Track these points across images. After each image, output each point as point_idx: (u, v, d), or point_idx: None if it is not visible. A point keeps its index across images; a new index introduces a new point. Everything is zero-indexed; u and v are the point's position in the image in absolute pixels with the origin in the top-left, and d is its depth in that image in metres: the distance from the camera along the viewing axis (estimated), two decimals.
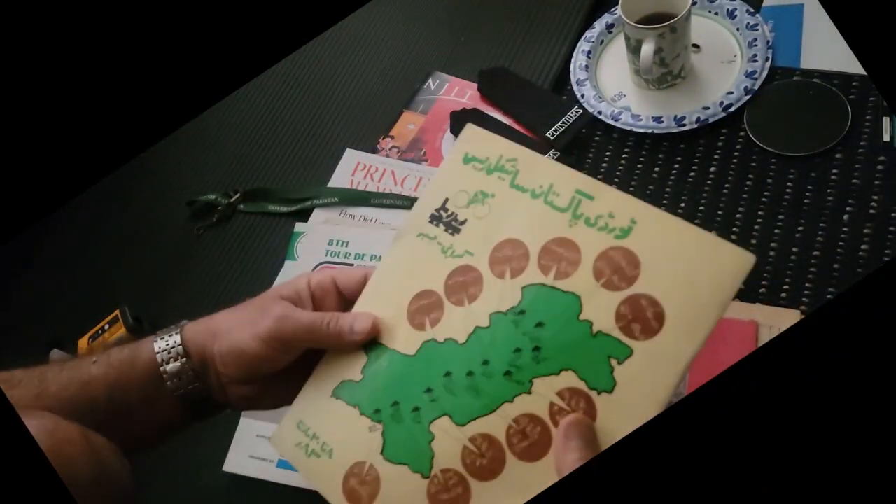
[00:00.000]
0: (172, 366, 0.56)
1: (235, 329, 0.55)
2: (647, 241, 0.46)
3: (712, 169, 0.81)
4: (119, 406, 0.56)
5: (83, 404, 0.55)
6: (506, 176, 0.52)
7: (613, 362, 0.44)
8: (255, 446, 0.78)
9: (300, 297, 0.56)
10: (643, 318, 0.44)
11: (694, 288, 0.43)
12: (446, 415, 0.48)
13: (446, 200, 0.54)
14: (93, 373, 0.56)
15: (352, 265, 0.85)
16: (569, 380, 0.45)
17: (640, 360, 0.44)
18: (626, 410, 0.44)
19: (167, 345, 0.56)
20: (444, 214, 0.53)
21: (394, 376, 0.50)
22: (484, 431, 0.47)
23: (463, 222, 0.52)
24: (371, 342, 0.53)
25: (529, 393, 0.46)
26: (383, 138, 0.96)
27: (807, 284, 0.72)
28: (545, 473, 0.45)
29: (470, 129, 0.56)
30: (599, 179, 0.85)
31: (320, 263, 0.87)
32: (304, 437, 0.54)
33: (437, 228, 0.53)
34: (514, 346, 0.47)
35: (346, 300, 0.57)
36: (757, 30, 0.86)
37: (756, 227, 0.76)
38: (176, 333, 0.57)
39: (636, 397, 0.44)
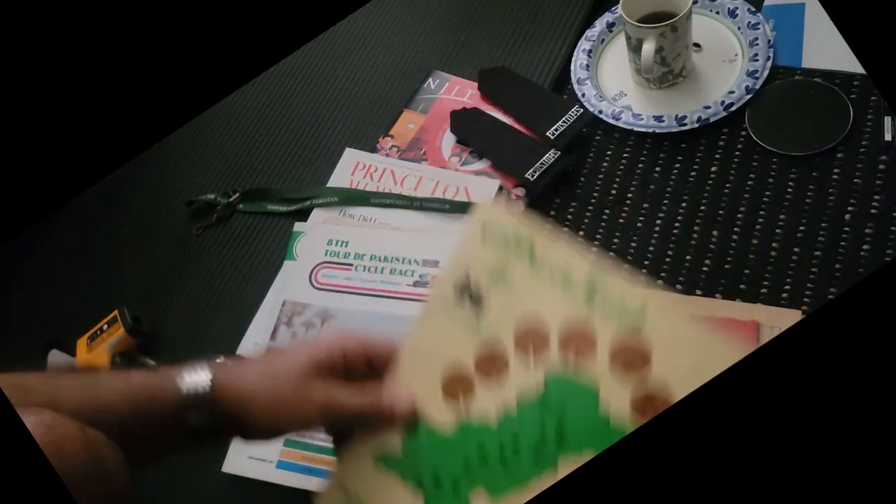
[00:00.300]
0: (196, 416, 0.56)
1: (273, 405, 0.56)
2: (658, 332, 0.49)
3: (713, 168, 0.81)
4: (132, 434, 0.55)
5: (96, 425, 0.55)
6: (523, 253, 0.55)
7: None
8: (254, 447, 0.78)
9: (334, 366, 0.57)
10: (654, 407, 0.47)
11: (700, 377, 0.46)
12: (483, 487, 0.52)
13: (468, 276, 0.56)
14: (111, 399, 0.56)
15: (351, 265, 0.85)
16: (590, 456, 0.49)
17: None
18: None
19: (195, 391, 0.56)
20: (469, 291, 0.56)
21: (432, 450, 0.54)
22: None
23: (486, 300, 0.55)
24: (415, 417, 0.56)
25: (556, 468, 0.50)
26: (383, 137, 0.96)
27: (808, 284, 0.72)
28: None
29: (487, 205, 0.60)
30: (599, 179, 0.86)
31: (319, 263, 0.86)
32: (348, 501, 0.56)
33: (462, 301, 0.56)
34: (540, 429, 0.51)
35: (374, 367, 0.59)
36: (758, 29, 0.86)
37: (757, 226, 0.76)
38: (205, 385, 0.56)
39: None
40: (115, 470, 0.58)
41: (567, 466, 0.49)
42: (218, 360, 0.58)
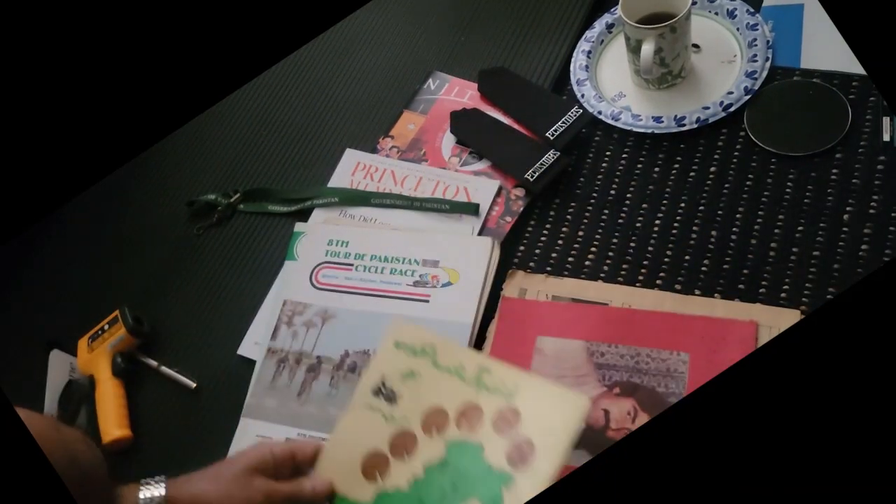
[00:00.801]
0: None
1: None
2: (526, 401, 0.65)
3: (712, 169, 0.81)
4: None
5: None
6: (427, 358, 0.70)
7: (504, 489, 0.63)
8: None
9: (266, 467, 0.68)
10: (523, 454, 0.63)
11: (554, 431, 0.63)
12: None
13: (384, 377, 0.71)
14: None
15: (351, 265, 0.85)
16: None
17: (519, 483, 0.63)
18: None
19: None
20: (384, 389, 0.71)
21: None
22: None
23: (399, 395, 0.70)
24: (335, 494, 0.68)
25: None
26: (383, 138, 0.96)
27: (807, 284, 0.72)
28: None
29: (397, 323, 0.74)
30: (599, 180, 0.86)
31: (320, 263, 0.87)
32: None
33: (378, 400, 0.70)
34: (441, 487, 0.65)
35: (299, 468, 0.70)
36: (757, 30, 0.86)
37: (756, 226, 0.76)
38: (160, 499, 0.65)
39: None
40: (91, 463, 0.59)
41: None
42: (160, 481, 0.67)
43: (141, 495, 0.65)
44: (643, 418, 0.69)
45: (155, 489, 0.66)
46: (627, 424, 0.69)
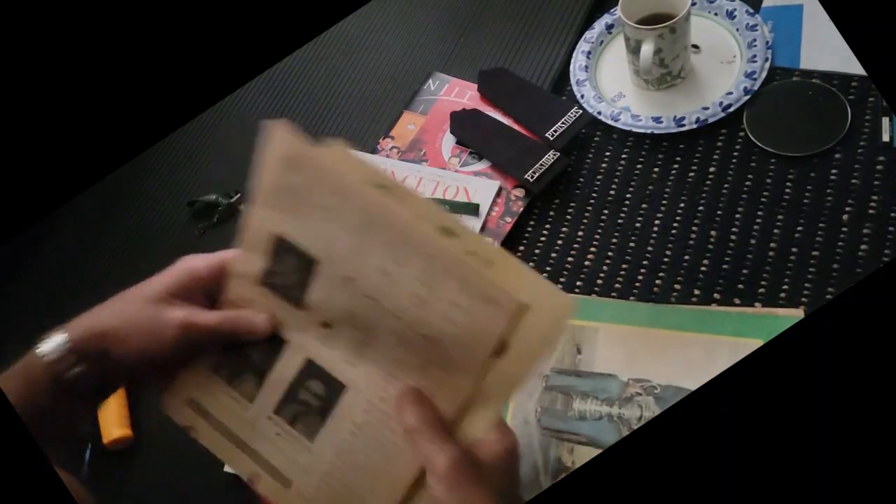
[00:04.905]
0: (71, 373, 0.55)
1: (133, 334, 0.55)
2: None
3: (711, 169, 0.81)
4: (35, 423, 0.54)
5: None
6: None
7: None
8: None
9: (188, 291, 0.58)
10: None
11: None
12: None
13: None
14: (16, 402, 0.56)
15: None
16: None
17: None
18: None
19: (56, 352, 0.56)
20: None
21: None
22: None
23: None
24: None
25: None
26: (383, 139, 0.96)
27: (806, 285, 0.72)
28: None
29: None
30: (598, 180, 0.86)
31: None
32: None
33: None
34: None
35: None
36: (756, 30, 0.86)
37: (755, 227, 0.76)
38: (63, 341, 0.56)
39: None
40: None
41: None
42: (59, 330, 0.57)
43: (44, 347, 0.56)
44: None
45: (55, 337, 0.56)
46: None
